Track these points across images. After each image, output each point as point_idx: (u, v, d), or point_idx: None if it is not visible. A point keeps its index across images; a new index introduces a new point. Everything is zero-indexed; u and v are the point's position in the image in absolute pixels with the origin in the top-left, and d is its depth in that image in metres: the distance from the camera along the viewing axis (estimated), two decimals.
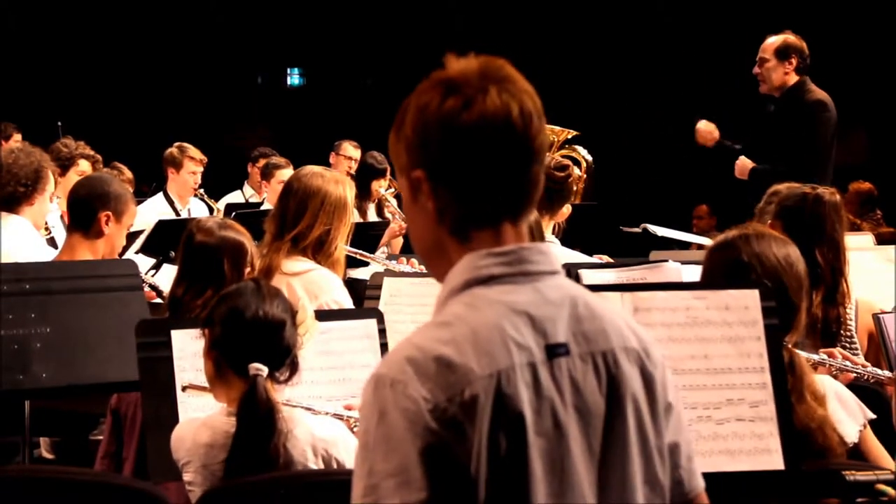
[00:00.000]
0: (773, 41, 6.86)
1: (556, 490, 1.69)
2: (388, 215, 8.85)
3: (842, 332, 3.87)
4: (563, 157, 7.75)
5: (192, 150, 8.36)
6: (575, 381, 1.73)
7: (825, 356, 3.04)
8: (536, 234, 3.89)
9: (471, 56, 1.79)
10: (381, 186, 9.04)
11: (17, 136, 8.38)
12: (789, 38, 6.85)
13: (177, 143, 8.44)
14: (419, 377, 1.64)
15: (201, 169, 8.42)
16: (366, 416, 1.67)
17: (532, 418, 1.67)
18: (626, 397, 1.76)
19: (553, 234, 4.71)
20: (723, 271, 3.03)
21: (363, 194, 8.86)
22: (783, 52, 6.78)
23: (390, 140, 1.83)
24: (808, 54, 6.82)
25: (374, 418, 1.65)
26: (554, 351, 1.71)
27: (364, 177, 9.03)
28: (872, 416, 3.09)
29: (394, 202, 9.26)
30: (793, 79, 6.78)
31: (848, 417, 3.03)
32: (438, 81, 1.77)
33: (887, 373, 3.12)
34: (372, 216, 8.81)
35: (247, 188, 9.84)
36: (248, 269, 3.77)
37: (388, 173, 9.21)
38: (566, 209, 4.81)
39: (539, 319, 1.72)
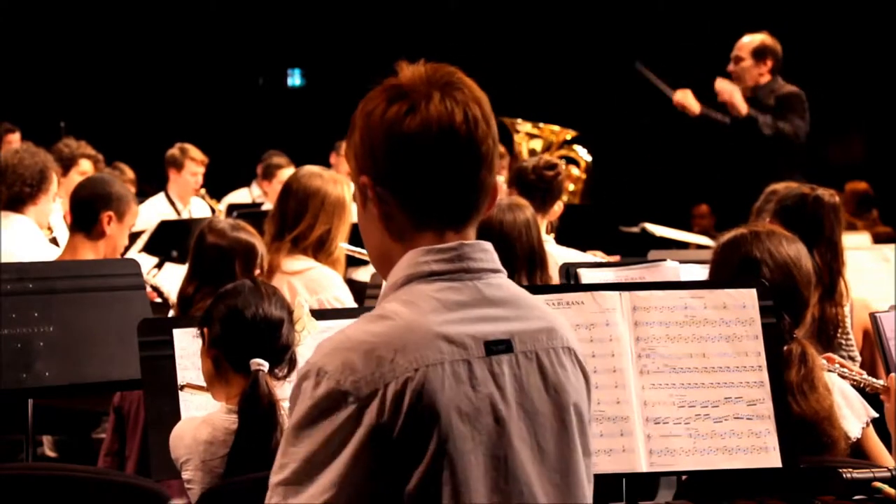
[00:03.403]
0: (750, 41, 6.85)
1: (499, 486, 1.69)
2: None
3: (839, 331, 3.89)
4: (562, 157, 7.79)
5: (194, 151, 8.37)
6: (518, 378, 1.73)
7: (824, 361, 3.07)
8: (534, 233, 3.91)
9: (421, 62, 1.80)
10: None
11: (15, 136, 8.40)
12: (766, 39, 6.84)
13: (178, 144, 8.45)
14: (344, 368, 1.65)
15: (202, 169, 8.43)
16: (291, 404, 1.69)
17: (466, 414, 1.67)
18: (570, 397, 1.77)
19: (546, 232, 4.73)
20: (733, 267, 3.06)
21: None
22: (760, 53, 6.79)
23: (345, 146, 1.84)
24: (782, 56, 6.84)
25: (297, 404, 1.67)
26: (493, 348, 1.71)
27: None
28: (875, 414, 3.12)
29: None
30: (765, 78, 6.80)
31: (851, 414, 3.06)
32: (386, 88, 1.78)
33: (882, 381, 3.14)
34: None
35: (254, 188, 9.85)
36: (258, 272, 3.79)
37: None
38: (558, 207, 4.83)
39: (478, 317, 1.72)
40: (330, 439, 1.63)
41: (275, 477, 1.66)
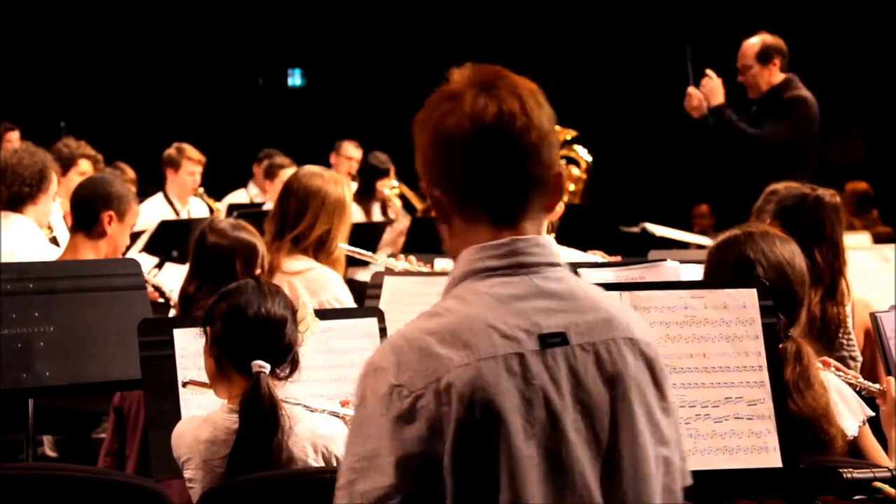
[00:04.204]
0: (751, 45, 6.78)
1: (553, 478, 1.69)
2: (391, 215, 8.87)
3: (840, 331, 3.89)
4: (562, 157, 7.78)
5: (191, 151, 8.35)
6: (574, 371, 1.74)
7: (820, 364, 3.08)
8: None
9: (468, 65, 1.83)
10: (385, 186, 9.05)
11: (15, 134, 8.40)
12: (766, 38, 6.78)
13: (175, 144, 8.43)
14: (400, 365, 1.69)
15: (200, 169, 8.41)
16: (354, 400, 1.74)
17: (519, 407, 1.68)
18: (632, 388, 1.77)
19: (547, 232, 4.72)
20: (728, 268, 3.08)
21: (367, 194, 8.88)
22: (764, 55, 6.73)
23: None
24: (788, 50, 6.77)
25: (357, 403, 1.72)
26: (547, 341, 1.73)
27: (368, 177, 9.05)
28: (872, 413, 3.13)
29: (397, 202, 9.28)
30: (778, 78, 6.73)
31: (848, 412, 3.07)
32: (434, 94, 1.82)
33: (878, 385, 3.15)
34: (377, 216, 8.83)
35: (251, 188, 9.85)
36: (258, 271, 3.79)
37: (392, 173, 9.23)
38: (559, 207, 4.83)
39: (531, 310, 1.74)
40: (387, 434, 1.66)
41: (340, 479, 1.71)
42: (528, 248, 1.78)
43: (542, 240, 1.81)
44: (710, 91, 6.75)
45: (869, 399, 3.18)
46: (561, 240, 4.85)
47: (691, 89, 6.81)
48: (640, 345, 1.80)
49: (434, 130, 1.78)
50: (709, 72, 6.82)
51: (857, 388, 3.17)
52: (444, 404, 1.66)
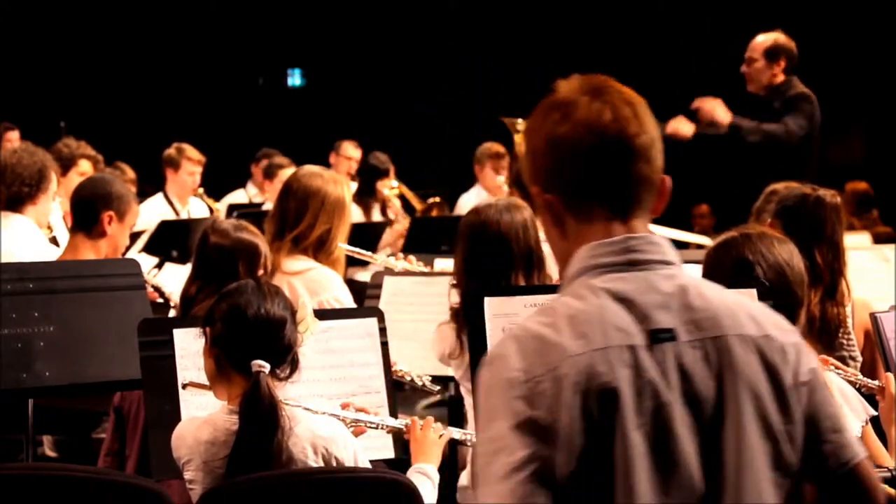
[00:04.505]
0: (763, 41, 6.78)
1: (661, 470, 1.76)
2: (391, 215, 8.87)
3: (840, 331, 3.89)
4: None
5: (190, 151, 8.35)
6: (683, 366, 1.80)
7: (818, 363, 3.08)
8: (532, 233, 3.92)
9: (575, 76, 1.93)
10: (385, 187, 9.06)
11: (14, 134, 8.40)
12: (780, 38, 6.77)
13: (175, 144, 8.43)
14: (519, 352, 1.77)
15: (200, 169, 8.40)
16: (477, 391, 1.81)
17: (630, 397, 1.75)
18: (741, 384, 1.81)
19: None
20: (726, 270, 3.08)
21: (368, 195, 8.88)
22: (773, 54, 6.73)
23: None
24: (797, 54, 6.77)
25: (482, 392, 1.79)
26: (657, 336, 1.80)
27: (368, 177, 9.05)
28: (874, 412, 3.13)
29: (397, 203, 9.28)
30: (779, 78, 6.74)
31: (851, 412, 3.07)
32: (544, 103, 1.91)
33: (877, 382, 3.15)
34: (377, 216, 8.83)
35: (250, 188, 9.86)
36: (261, 272, 3.78)
37: (392, 173, 9.23)
38: None
39: (642, 306, 1.81)
40: (511, 416, 1.73)
41: (475, 466, 1.77)
42: (642, 246, 1.85)
43: (655, 238, 1.88)
44: (711, 113, 6.73)
45: (868, 396, 3.19)
46: None
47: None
48: (756, 340, 1.85)
49: (547, 137, 1.87)
50: (698, 102, 6.82)
51: (857, 386, 3.18)
52: (562, 391, 1.73)
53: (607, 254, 1.84)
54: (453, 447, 4.07)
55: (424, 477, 3.05)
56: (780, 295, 2.97)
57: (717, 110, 6.67)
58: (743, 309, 1.88)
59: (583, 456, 1.72)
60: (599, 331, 1.78)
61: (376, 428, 3.18)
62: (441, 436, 3.18)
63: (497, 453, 1.72)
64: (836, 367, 3.19)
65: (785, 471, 1.83)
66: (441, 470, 3.15)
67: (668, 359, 1.79)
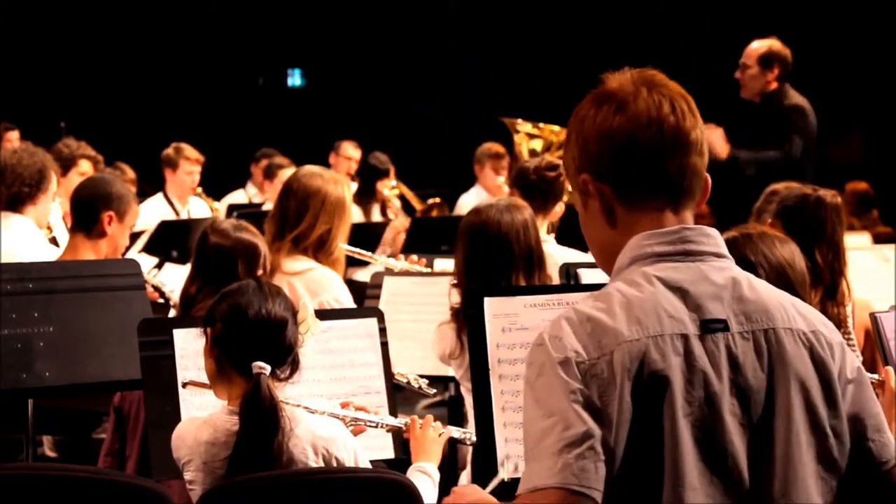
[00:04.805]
0: (757, 47, 6.79)
1: (708, 459, 1.77)
2: (390, 216, 8.87)
3: (840, 331, 3.89)
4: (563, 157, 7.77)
5: (189, 150, 8.35)
6: (734, 356, 1.81)
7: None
8: (532, 233, 3.92)
9: (626, 70, 1.96)
10: (385, 187, 9.06)
11: (14, 134, 8.40)
12: (774, 45, 6.78)
13: (173, 144, 8.43)
14: (574, 334, 1.79)
15: (198, 169, 8.40)
16: (528, 369, 1.82)
17: (681, 384, 1.77)
18: (791, 376, 1.83)
19: (547, 232, 4.73)
20: None
21: (368, 195, 8.88)
22: (767, 61, 6.74)
23: (563, 160, 1.97)
24: (792, 61, 6.78)
25: (534, 371, 1.79)
26: (709, 326, 1.81)
27: (368, 177, 9.05)
28: None
29: (397, 203, 9.29)
30: (773, 86, 6.75)
31: None
32: (594, 94, 1.94)
33: (877, 376, 3.15)
34: (377, 217, 8.83)
35: (250, 188, 9.86)
36: (260, 272, 3.79)
37: (392, 173, 9.23)
38: (559, 208, 4.84)
39: (695, 295, 1.83)
40: (566, 395, 1.74)
41: (527, 443, 1.77)
42: (696, 237, 1.87)
43: (709, 230, 1.90)
44: (711, 144, 6.68)
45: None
46: (561, 240, 4.86)
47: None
48: (806, 335, 1.86)
49: (602, 127, 1.89)
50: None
51: None
52: (615, 375, 1.75)
53: (662, 243, 1.86)
54: (453, 447, 4.07)
55: (425, 475, 3.05)
56: None
57: (716, 142, 6.62)
58: (792, 304, 1.90)
59: (632, 440, 1.74)
60: (653, 318, 1.79)
61: (376, 427, 3.17)
62: (441, 434, 3.17)
63: (552, 429, 1.73)
64: None
65: (830, 465, 1.85)
66: (440, 470, 3.15)
67: (720, 349, 1.81)
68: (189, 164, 8.31)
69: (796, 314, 1.88)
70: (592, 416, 1.73)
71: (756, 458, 1.80)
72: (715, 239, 1.90)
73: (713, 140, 6.65)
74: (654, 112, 1.87)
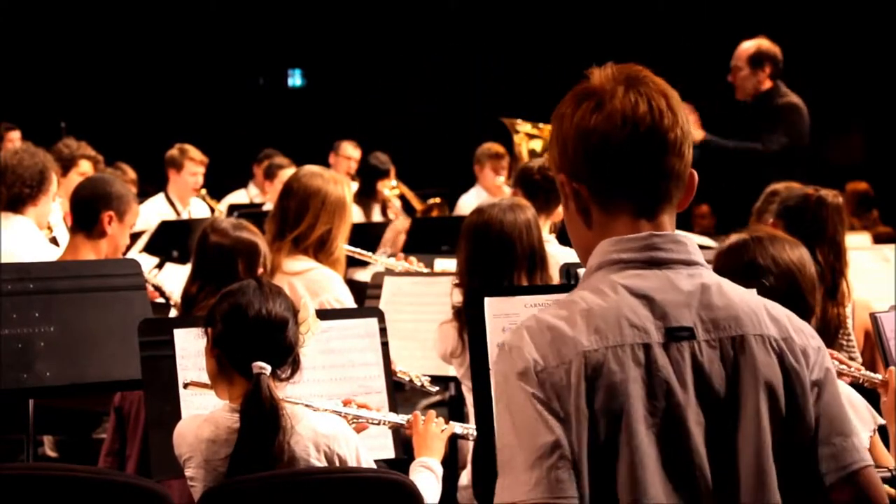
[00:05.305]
0: (746, 48, 6.81)
1: (672, 470, 1.74)
2: (391, 216, 8.87)
3: (840, 331, 3.89)
4: None
5: (193, 151, 8.36)
6: (699, 365, 1.78)
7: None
8: (535, 233, 3.92)
9: (609, 65, 1.91)
10: (385, 187, 9.06)
11: (15, 134, 8.40)
12: (762, 44, 6.80)
13: (177, 145, 8.44)
14: (533, 343, 1.77)
15: (202, 170, 8.42)
16: (495, 377, 1.82)
17: (641, 396, 1.74)
18: (759, 384, 1.80)
19: (549, 232, 4.73)
20: (736, 274, 3.04)
21: (368, 195, 8.88)
22: (756, 61, 6.76)
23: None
24: (782, 59, 6.79)
25: (500, 379, 1.79)
26: (675, 334, 1.78)
27: (368, 177, 9.05)
28: (882, 420, 3.09)
29: (397, 203, 9.29)
30: (766, 85, 6.77)
31: (859, 422, 3.04)
32: (576, 91, 1.89)
33: (880, 376, 3.14)
34: (377, 217, 8.83)
35: (251, 188, 9.86)
36: (260, 270, 3.79)
37: (392, 173, 9.23)
38: (562, 209, 4.83)
39: (661, 303, 1.80)
40: (530, 406, 1.73)
41: (501, 456, 1.76)
42: (664, 244, 1.84)
43: (679, 237, 1.87)
44: None
45: (871, 392, 3.17)
46: (562, 240, 4.86)
47: None
48: (777, 342, 1.83)
49: (579, 126, 1.85)
50: None
51: (860, 381, 3.16)
52: (570, 388, 1.73)
53: (628, 250, 1.83)
54: (453, 446, 4.07)
55: (428, 470, 3.05)
56: (790, 303, 2.94)
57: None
58: (765, 310, 1.86)
59: (592, 447, 1.72)
60: (614, 328, 1.76)
61: (378, 424, 3.17)
62: (443, 430, 3.17)
63: (521, 442, 1.72)
64: (840, 362, 3.18)
65: (799, 474, 1.81)
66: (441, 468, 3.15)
67: (685, 357, 1.78)
68: (193, 165, 8.33)
69: (768, 320, 1.85)
70: (558, 422, 1.72)
71: (723, 469, 1.77)
72: (685, 246, 1.86)
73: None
74: (630, 112, 1.82)
